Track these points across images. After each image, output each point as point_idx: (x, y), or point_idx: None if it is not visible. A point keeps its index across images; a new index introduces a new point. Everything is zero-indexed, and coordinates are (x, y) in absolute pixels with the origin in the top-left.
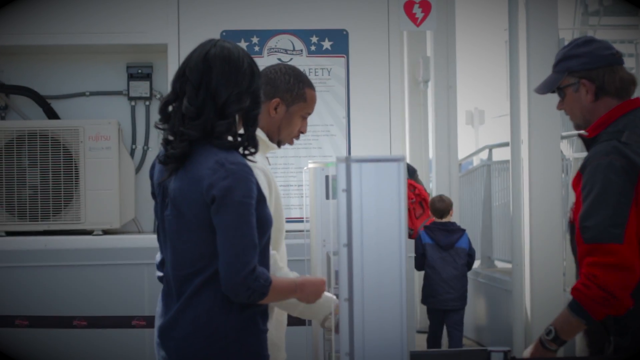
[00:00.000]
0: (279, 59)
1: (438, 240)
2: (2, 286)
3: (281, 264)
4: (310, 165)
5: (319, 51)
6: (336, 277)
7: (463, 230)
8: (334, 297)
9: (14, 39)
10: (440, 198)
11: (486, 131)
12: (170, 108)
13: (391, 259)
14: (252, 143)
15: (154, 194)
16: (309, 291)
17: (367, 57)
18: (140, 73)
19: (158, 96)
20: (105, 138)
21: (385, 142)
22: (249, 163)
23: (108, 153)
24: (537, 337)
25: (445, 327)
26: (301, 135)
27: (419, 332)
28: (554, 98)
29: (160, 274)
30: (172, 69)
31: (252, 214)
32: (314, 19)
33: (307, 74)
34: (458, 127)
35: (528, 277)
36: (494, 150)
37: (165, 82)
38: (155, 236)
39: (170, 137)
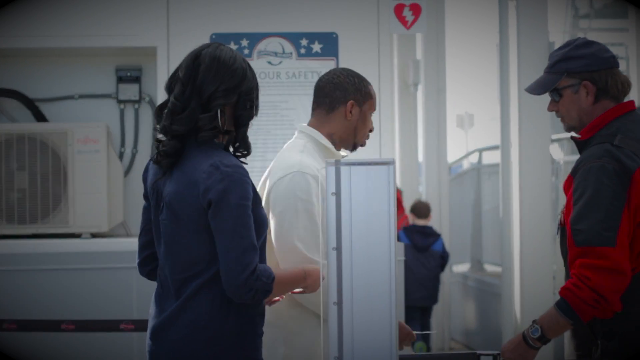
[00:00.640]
0: (269, 62)
1: (415, 242)
2: None
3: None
4: None
5: (309, 54)
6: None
7: (438, 235)
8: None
9: (1, 42)
10: (420, 201)
11: (476, 134)
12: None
13: (381, 262)
14: (243, 145)
15: (146, 197)
16: (316, 277)
17: (357, 59)
18: (129, 76)
19: (147, 99)
20: (93, 141)
21: (375, 145)
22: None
23: (97, 156)
24: (520, 332)
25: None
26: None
27: None
28: (544, 101)
29: (144, 271)
30: (162, 72)
31: (249, 216)
32: (304, 22)
33: (297, 77)
34: (448, 130)
35: (518, 280)
36: (484, 154)
37: (154, 85)
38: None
39: (161, 136)
